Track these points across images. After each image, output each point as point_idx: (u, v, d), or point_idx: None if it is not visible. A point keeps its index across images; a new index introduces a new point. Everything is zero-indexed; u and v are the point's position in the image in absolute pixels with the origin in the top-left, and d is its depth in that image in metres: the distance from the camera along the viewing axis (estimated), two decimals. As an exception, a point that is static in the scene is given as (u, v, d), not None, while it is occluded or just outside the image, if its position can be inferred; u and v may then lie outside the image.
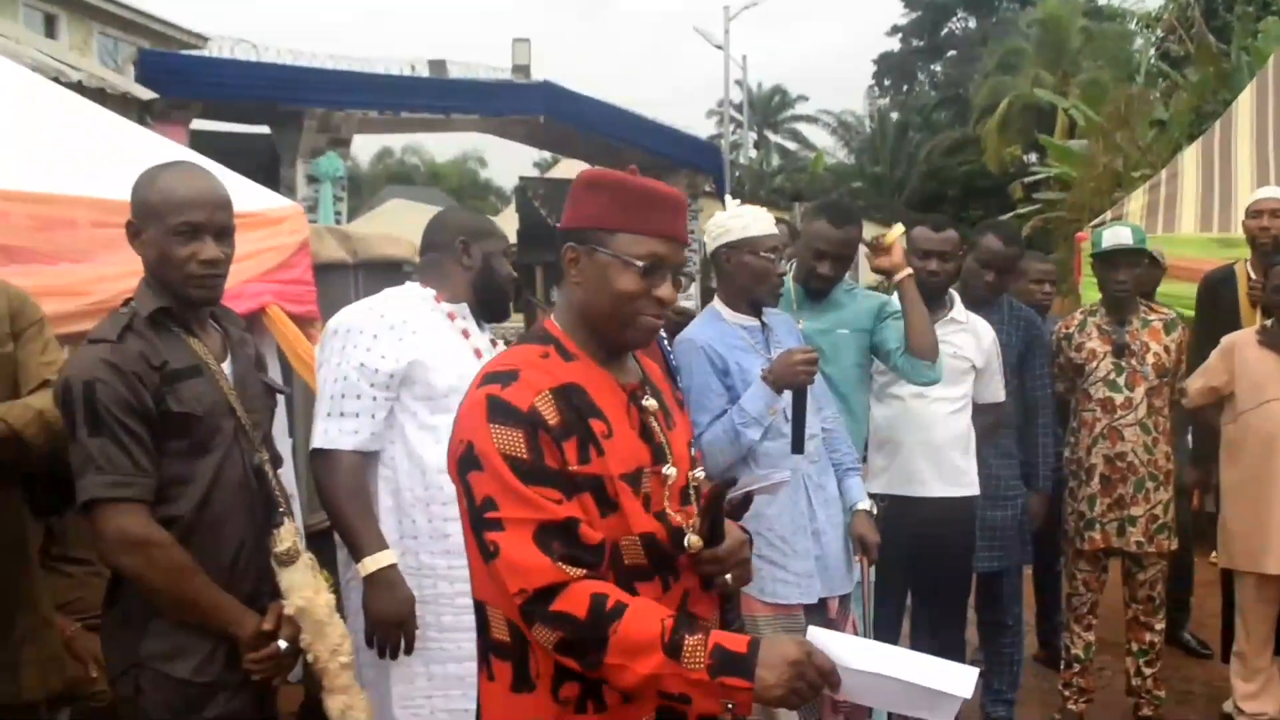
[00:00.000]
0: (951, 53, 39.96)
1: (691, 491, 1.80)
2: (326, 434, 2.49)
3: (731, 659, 1.52)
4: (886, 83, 41.64)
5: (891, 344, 3.39)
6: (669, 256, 1.69)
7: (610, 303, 1.68)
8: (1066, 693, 4.19)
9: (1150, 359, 4.02)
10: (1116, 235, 4.09)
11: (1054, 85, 22.15)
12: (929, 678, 1.56)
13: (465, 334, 2.64)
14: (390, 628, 2.42)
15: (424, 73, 12.28)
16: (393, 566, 2.42)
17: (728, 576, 1.81)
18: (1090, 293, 6.37)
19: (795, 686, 1.52)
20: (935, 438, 3.61)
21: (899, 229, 3.38)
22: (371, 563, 2.41)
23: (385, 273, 4.83)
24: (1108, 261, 4.07)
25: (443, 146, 49.40)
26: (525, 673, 1.66)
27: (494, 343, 2.75)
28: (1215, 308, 4.66)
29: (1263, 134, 6.86)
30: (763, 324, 3.09)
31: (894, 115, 37.40)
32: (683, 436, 1.85)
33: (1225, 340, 4.04)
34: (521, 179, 16.62)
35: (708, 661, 1.51)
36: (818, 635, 1.60)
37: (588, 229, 1.69)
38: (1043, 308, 4.96)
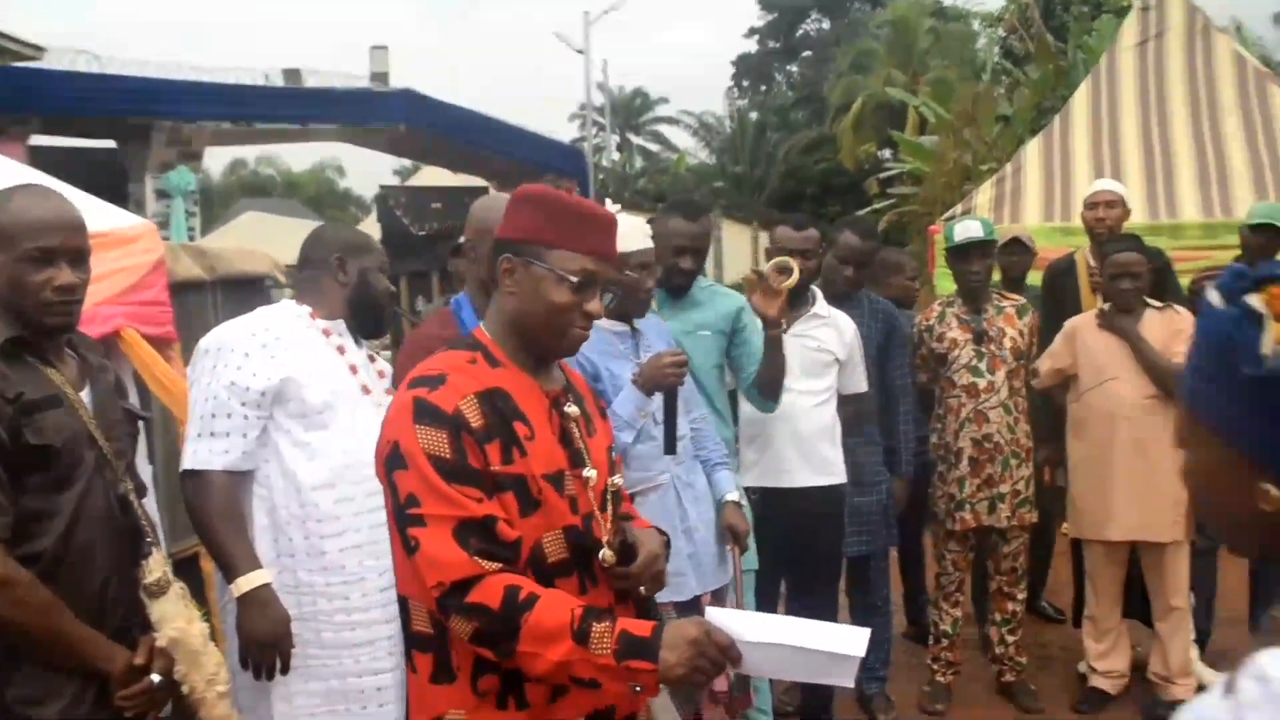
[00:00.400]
0: (807, 53, 40.88)
1: (609, 497, 1.88)
2: (197, 454, 2.44)
3: (636, 643, 1.60)
4: (745, 83, 42.35)
5: (745, 368, 3.50)
6: (600, 273, 1.79)
7: (544, 314, 1.77)
8: (935, 666, 4.38)
9: (1007, 343, 4.23)
10: (967, 229, 4.29)
11: (905, 84, 22.90)
12: (824, 642, 1.66)
13: (340, 350, 2.62)
14: (265, 648, 2.39)
15: (279, 82, 11.97)
16: (266, 586, 2.39)
17: (641, 588, 1.90)
18: (944, 283, 6.66)
19: (697, 664, 1.60)
20: (803, 429, 3.72)
21: (794, 279, 3.46)
22: (245, 582, 2.37)
23: (244, 290, 4.72)
24: (961, 254, 4.26)
25: (299, 156, 48.29)
26: (446, 664, 1.72)
27: (371, 358, 2.75)
28: (1059, 294, 4.92)
29: (1097, 128, 7.28)
30: (633, 329, 3.15)
31: (753, 115, 38.05)
32: (603, 443, 1.93)
33: (1067, 324, 4.28)
34: (382, 188, 16.30)
35: (614, 647, 1.59)
36: (715, 614, 1.69)
37: (525, 242, 1.78)
38: (912, 300, 5.18)
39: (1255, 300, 0.98)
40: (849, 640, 1.65)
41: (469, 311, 2.73)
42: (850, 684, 1.68)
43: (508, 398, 1.74)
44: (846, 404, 3.91)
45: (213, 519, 2.42)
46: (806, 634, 1.68)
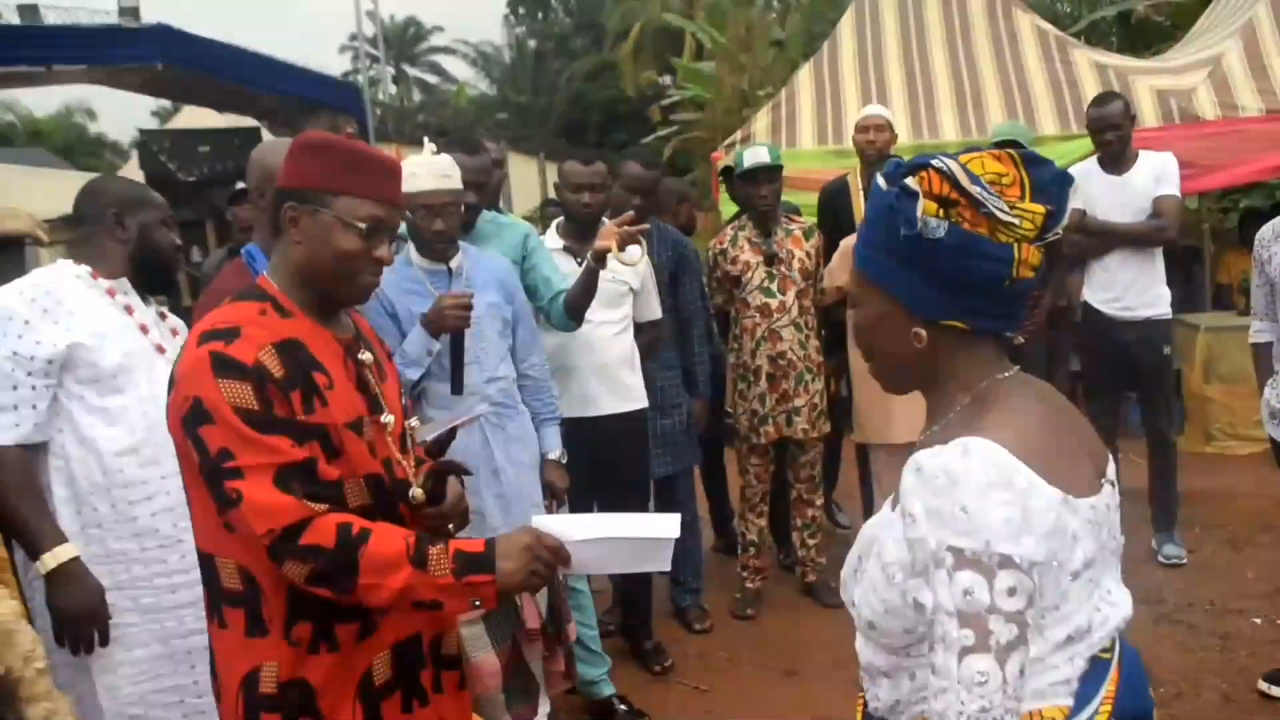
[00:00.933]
0: (582, -22, 40.57)
1: (408, 439, 1.92)
2: None
3: (472, 559, 1.66)
4: (521, 10, 41.66)
5: (539, 293, 3.56)
6: (387, 219, 1.79)
7: (332, 262, 1.76)
8: (744, 574, 4.64)
9: (796, 265, 4.46)
10: (756, 155, 4.48)
11: (681, 9, 23.11)
12: (642, 529, 1.80)
13: (129, 310, 2.52)
14: (81, 622, 2.32)
15: (13, 20, 10.90)
16: (75, 559, 2.31)
17: (450, 525, 1.96)
18: (728, 208, 6.88)
19: (533, 568, 1.68)
20: (604, 359, 3.83)
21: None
22: (51, 559, 2.29)
23: (4, 251, 4.41)
24: (750, 179, 4.44)
25: (42, 100, 44.22)
26: (259, 618, 1.71)
27: (163, 316, 2.66)
28: (834, 214, 5.19)
29: (863, 54, 7.63)
30: (449, 269, 3.15)
31: (532, 44, 37.59)
32: (394, 387, 1.95)
33: (843, 243, 4.53)
34: (142, 132, 15.25)
35: (451, 565, 1.65)
36: (541, 520, 1.78)
37: (309, 189, 1.76)
38: (694, 226, 5.34)
39: (911, 181, 1.28)
40: (663, 525, 1.78)
41: (263, 261, 2.65)
42: (667, 567, 1.80)
43: (304, 347, 1.74)
44: (643, 331, 4.04)
45: (9, 496, 2.31)
46: (625, 525, 1.82)
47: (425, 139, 3.11)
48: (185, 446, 1.67)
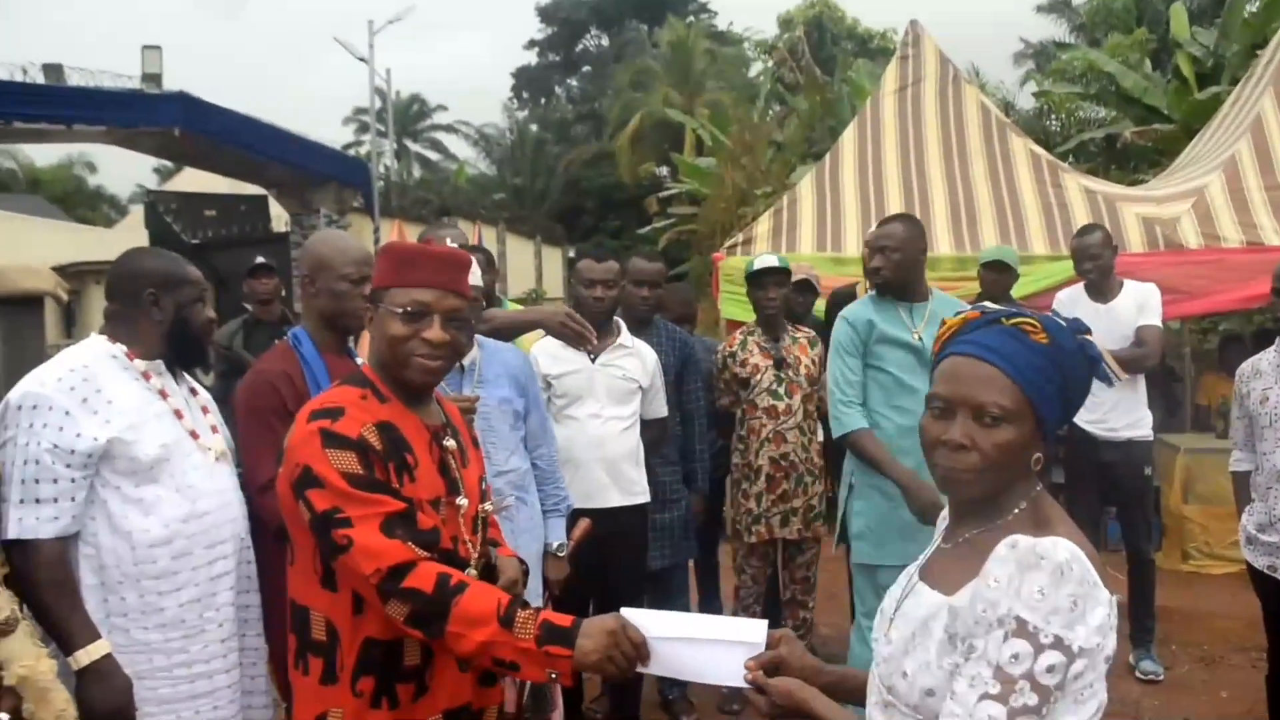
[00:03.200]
0: (586, 68, 41.54)
1: (479, 521, 2.10)
2: (23, 523, 2.28)
3: (556, 630, 1.79)
4: (525, 95, 42.58)
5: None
6: (433, 304, 1.96)
7: (388, 348, 1.97)
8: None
9: (803, 370, 4.65)
10: (765, 260, 4.71)
11: (681, 105, 23.71)
12: (728, 632, 1.82)
13: (164, 394, 2.51)
14: (112, 716, 2.30)
15: (38, 78, 11.17)
16: (108, 656, 2.29)
17: None
18: (729, 308, 7.09)
19: (611, 654, 1.78)
20: (610, 453, 3.96)
21: None
22: (84, 655, 2.26)
23: (23, 308, 4.54)
24: (758, 282, 4.64)
25: (44, 149, 44.52)
26: (333, 667, 1.90)
27: (194, 392, 2.67)
28: (840, 320, 5.39)
29: (863, 167, 7.91)
30: (462, 366, 3.30)
31: (533, 128, 38.32)
32: (475, 473, 2.14)
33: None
34: (150, 192, 15.54)
35: (536, 633, 1.78)
36: (630, 613, 1.84)
37: (376, 289, 2.01)
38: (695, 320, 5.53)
39: (1091, 340, 1.57)
40: (749, 630, 1.79)
41: (309, 345, 2.80)
42: (743, 685, 1.74)
43: (396, 429, 1.94)
44: (649, 427, 4.19)
45: (44, 589, 2.28)
46: (711, 627, 1.86)
47: (444, 232, 3.28)
48: (295, 509, 1.86)
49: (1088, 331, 1.57)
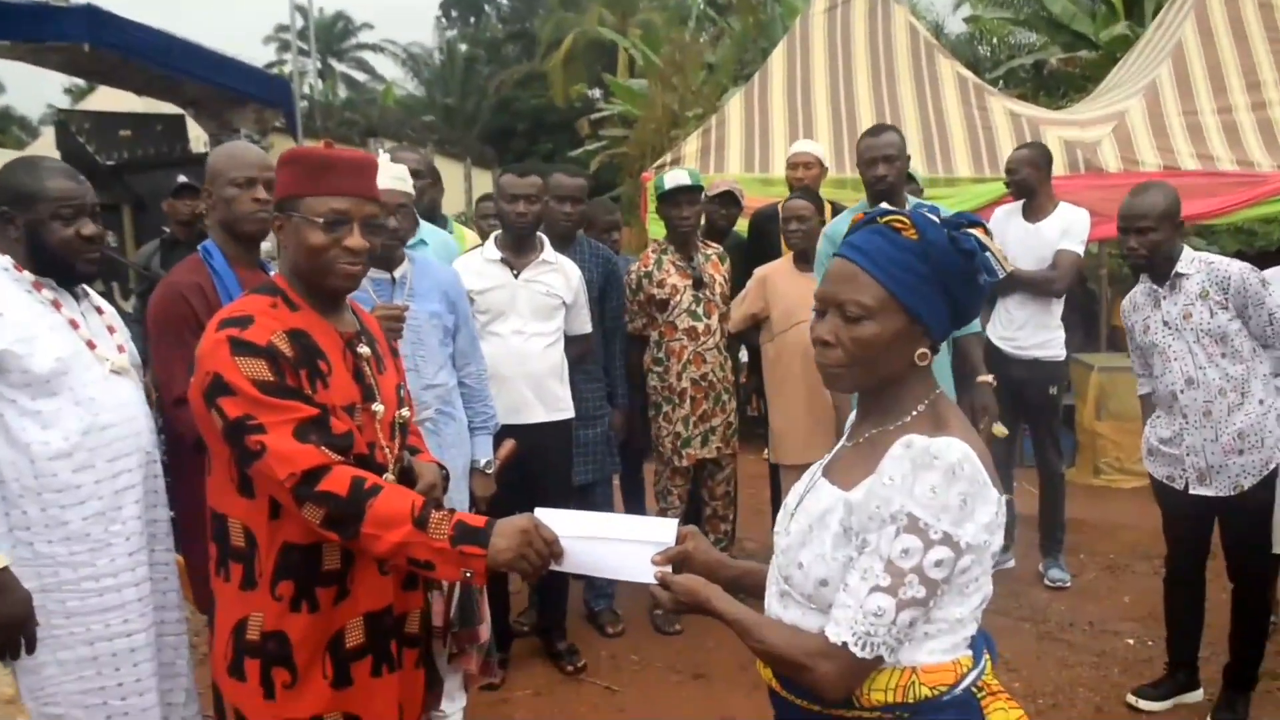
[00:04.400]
0: (517, -14, 40.56)
1: (396, 427, 2.10)
2: None
3: (470, 530, 1.82)
4: (454, 14, 41.50)
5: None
6: (351, 210, 1.96)
7: (306, 258, 1.95)
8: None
9: (717, 289, 4.65)
10: (676, 177, 4.65)
11: (614, 24, 23.34)
12: (637, 532, 1.85)
13: (56, 305, 2.46)
14: (9, 630, 2.30)
15: (-67, -11, 10.57)
16: (5, 569, 2.28)
17: None
18: (655, 228, 7.07)
19: (524, 553, 1.82)
20: (535, 369, 3.98)
21: None
22: None
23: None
24: (671, 200, 4.61)
25: (-55, 68, 42.53)
26: (252, 573, 1.92)
27: (99, 311, 2.61)
28: (763, 239, 5.42)
29: (792, 88, 7.89)
30: (393, 278, 3.27)
31: (463, 47, 37.45)
32: (393, 380, 2.13)
33: (758, 272, 4.76)
34: (61, 111, 14.89)
35: (450, 532, 1.81)
36: (544, 513, 1.86)
37: (284, 198, 1.98)
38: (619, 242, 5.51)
39: (978, 234, 1.55)
40: (659, 529, 1.84)
41: (219, 257, 2.75)
42: (653, 581, 1.77)
43: (309, 336, 1.94)
44: (573, 344, 4.20)
45: None
46: (622, 527, 1.88)
47: (380, 148, 3.22)
48: (208, 417, 1.85)
49: (976, 225, 1.57)
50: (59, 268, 2.47)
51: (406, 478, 2.13)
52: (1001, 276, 1.56)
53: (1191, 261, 3.49)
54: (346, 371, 2.00)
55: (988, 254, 1.55)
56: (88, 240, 2.46)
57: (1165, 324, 3.55)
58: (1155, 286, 3.58)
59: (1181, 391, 3.53)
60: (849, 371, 1.59)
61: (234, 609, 1.94)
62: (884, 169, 3.89)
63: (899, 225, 1.56)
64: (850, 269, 1.57)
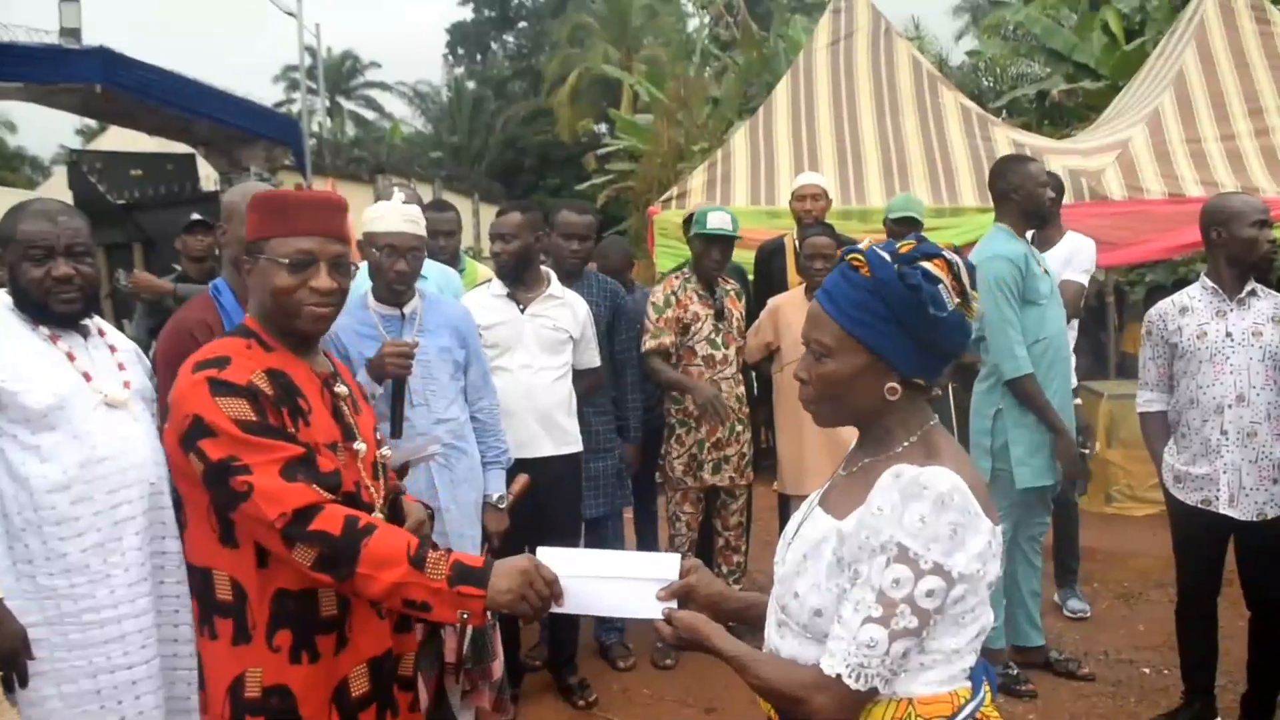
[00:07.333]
0: (523, 24, 40.99)
1: (379, 468, 2.06)
2: None
3: (468, 571, 1.76)
4: (461, 52, 41.95)
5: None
6: (316, 250, 1.90)
7: (273, 300, 1.90)
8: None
9: (735, 322, 4.69)
10: (721, 221, 4.65)
11: (619, 61, 23.54)
12: (639, 570, 1.81)
13: (54, 339, 2.47)
14: (1, 665, 2.30)
15: (-51, 34, 10.75)
16: (0, 603, 2.28)
17: None
18: (664, 260, 7.11)
19: (524, 594, 1.76)
20: (542, 404, 3.98)
21: None
22: None
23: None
24: (708, 241, 4.63)
25: (-42, 109, 42.97)
26: (244, 627, 1.83)
27: (102, 333, 2.62)
28: (769, 273, 5.43)
29: (797, 121, 7.94)
30: (403, 314, 3.29)
31: (470, 85, 37.81)
32: (369, 421, 2.09)
33: (770, 303, 4.77)
34: (73, 151, 15.05)
35: (447, 573, 1.75)
36: (544, 553, 1.83)
37: (253, 240, 1.93)
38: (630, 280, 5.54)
39: (929, 266, 1.53)
40: (662, 565, 1.80)
41: (229, 295, 2.77)
42: (660, 616, 1.74)
43: (286, 376, 1.89)
44: (581, 378, 4.20)
45: None
46: (624, 564, 1.84)
47: (395, 189, 3.26)
48: (185, 463, 1.78)
49: (933, 257, 1.55)
50: (38, 308, 2.47)
51: (394, 518, 2.07)
52: (950, 310, 1.53)
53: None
54: (326, 410, 1.96)
55: (939, 287, 1.52)
56: (61, 281, 2.44)
57: (1229, 335, 3.52)
58: (1225, 298, 3.56)
59: (1230, 406, 3.49)
60: (819, 407, 1.65)
61: (227, 667, 1.84)
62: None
63: (856, 263, 1.58)
64: (817, 309, 1.62)
